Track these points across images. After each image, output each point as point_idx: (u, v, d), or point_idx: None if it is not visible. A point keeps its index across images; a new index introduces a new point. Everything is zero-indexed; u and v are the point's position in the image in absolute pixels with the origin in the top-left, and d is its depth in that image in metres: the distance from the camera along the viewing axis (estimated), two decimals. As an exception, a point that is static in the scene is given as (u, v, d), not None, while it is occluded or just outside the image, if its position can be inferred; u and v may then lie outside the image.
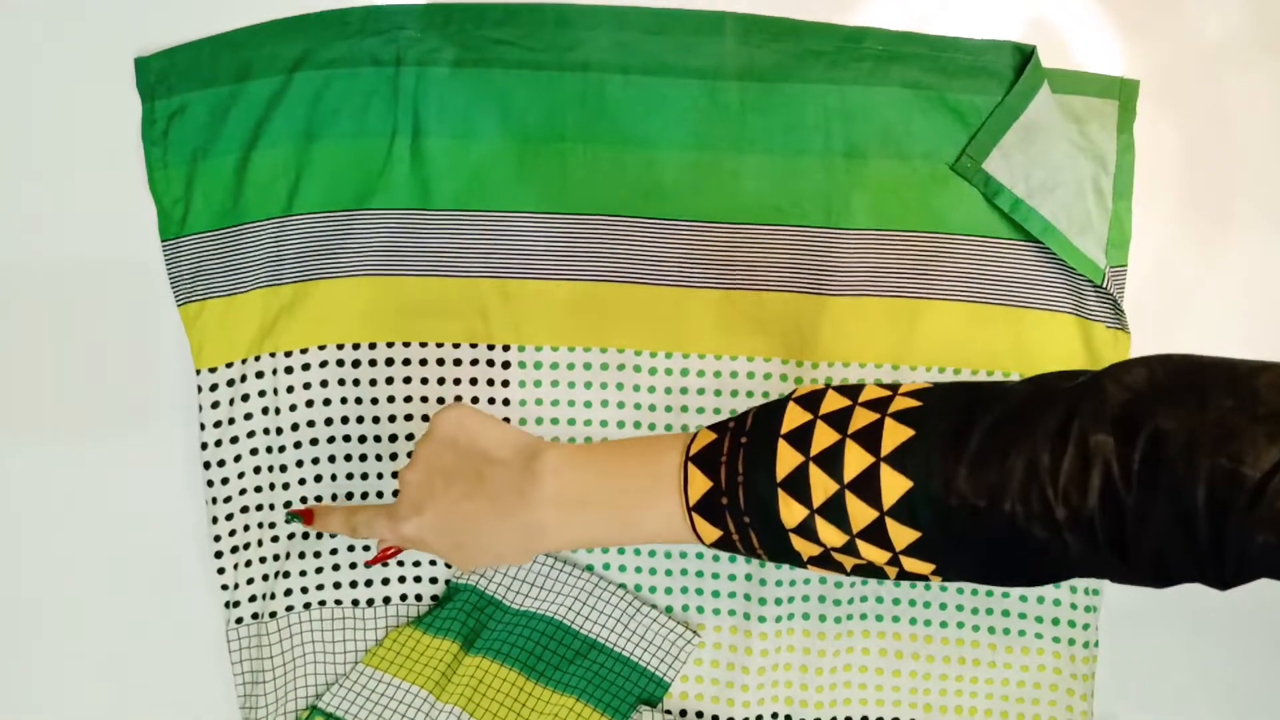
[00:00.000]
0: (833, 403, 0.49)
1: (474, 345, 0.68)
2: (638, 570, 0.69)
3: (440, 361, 0.68)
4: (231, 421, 0.67)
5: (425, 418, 0.68)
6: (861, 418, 0.48)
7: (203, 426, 0.67)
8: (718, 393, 0.68)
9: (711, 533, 0.51)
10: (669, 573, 0.69)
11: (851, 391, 0.50)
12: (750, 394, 0.68)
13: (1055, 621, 0.69)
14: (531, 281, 0.68)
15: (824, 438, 0.48)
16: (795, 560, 0.50)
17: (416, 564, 0.69)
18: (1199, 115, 0.69)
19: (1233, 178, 0.69)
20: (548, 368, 0.68)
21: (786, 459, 0.48)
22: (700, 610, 0.69)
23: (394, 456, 0.69)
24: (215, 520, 0.67)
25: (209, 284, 0.67)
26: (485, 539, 0.55)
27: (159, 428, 0.69)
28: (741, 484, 0.49)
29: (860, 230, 0.67)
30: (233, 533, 0.68)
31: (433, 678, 0.68)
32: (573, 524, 0.53)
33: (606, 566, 0.69)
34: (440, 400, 0.68)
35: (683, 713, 0.70)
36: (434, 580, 0.70)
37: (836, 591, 0.68)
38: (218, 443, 0.67)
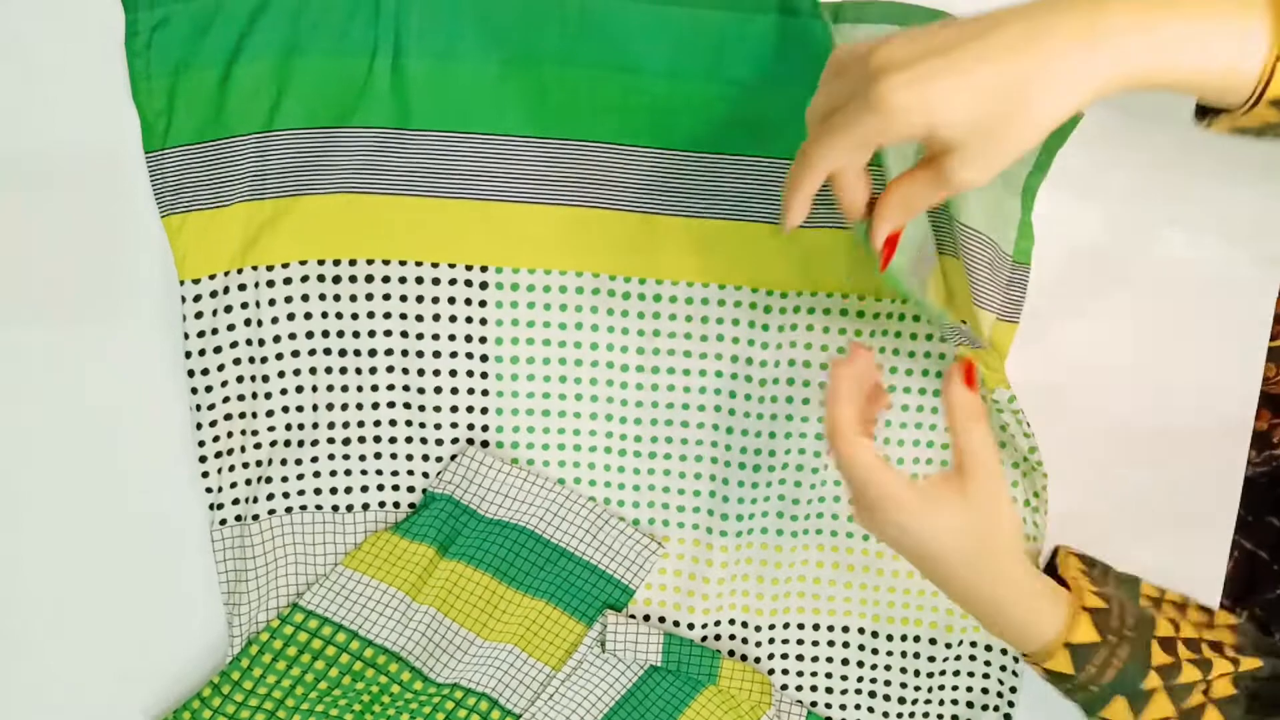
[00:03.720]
0: None
1: (452, 265, 0.70)
2: (606, 485, 0.72)
3: (419, 280, 0.70)
4: (215, 332, 0.69)
5: (404, 334, 0.70)
6: None
7: (186, 336, 0.69)
8: (689, 318, 0.70)
9: None
10: (636, 488, 0.72)
11: None
12: (720, 320, 0.70)
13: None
14: (511, 204, 0.69)
15: None
16: None
17: (395, 474, 0.72)
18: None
19: None
20: (524, 290, 0.70)
21: None
22: (665, 524, 0.73)
23: (373, 370, 0.71)
24: (199, 426, 0.70)
25: (192, 196, 0.68)
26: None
27: (136, 326, 0.70)
28: None
29: None
30: (216, 438, 0.70)
31: (409, 580, 0.71)
32: (1144, 26, 0.44)
33: (578, 480, 0.72)
34: (419, 318, 0.70)
35: (646, 618, 0.74)
36: (410, 489, 0.72)
37: (793, 508, 0.72)
38: (201, 352, 0.69)
